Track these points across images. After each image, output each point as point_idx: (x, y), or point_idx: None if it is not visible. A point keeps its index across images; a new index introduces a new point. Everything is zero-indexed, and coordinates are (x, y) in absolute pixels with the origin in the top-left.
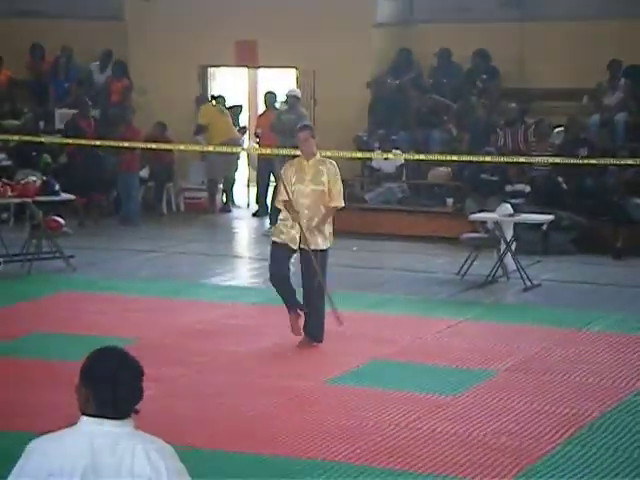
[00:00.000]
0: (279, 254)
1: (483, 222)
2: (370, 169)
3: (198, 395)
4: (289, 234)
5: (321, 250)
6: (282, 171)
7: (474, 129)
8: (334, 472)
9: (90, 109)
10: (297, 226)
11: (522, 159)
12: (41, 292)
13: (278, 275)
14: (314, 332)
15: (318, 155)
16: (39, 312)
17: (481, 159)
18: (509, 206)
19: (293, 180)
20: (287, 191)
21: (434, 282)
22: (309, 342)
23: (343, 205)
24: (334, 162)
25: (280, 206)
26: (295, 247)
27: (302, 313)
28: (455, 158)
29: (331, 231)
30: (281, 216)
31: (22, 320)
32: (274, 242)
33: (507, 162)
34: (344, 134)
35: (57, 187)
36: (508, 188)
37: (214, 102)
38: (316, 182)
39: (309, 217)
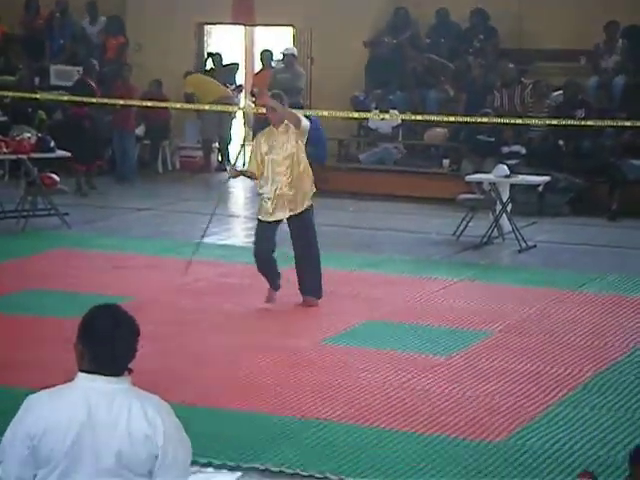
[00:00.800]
0: (263, 233)
1: (479, 183)
2: (367, 129)
3: (193, 353)
4: (270, 210)
5: (305, 210)
6: (254, 141)
7: (471, 90)
8: (327, 430)
9: (95, 69)
10: (273, 198)
11: (519, 120)
12: (35, 249)
13: (262, 255)
14: (313, 289)
15: (285, 122)
16: (33, 269)
17: (478, 120)
18: (505, 167)
19: (265, 150)
20: (256, 161)
21: (429, 243)
22: (308, 301)
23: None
24: None
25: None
26: (278, 220)
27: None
28: (452, 119)
29: (312, 189)
30: (260, 190)
31: (15, 277)
32: (259, 220)
33: (504, 123)
34: (341, 93)
35: (52, 144)
36: (504, 149)
37: (210, 60)
38: (287, 148)
39: (287, 183)
